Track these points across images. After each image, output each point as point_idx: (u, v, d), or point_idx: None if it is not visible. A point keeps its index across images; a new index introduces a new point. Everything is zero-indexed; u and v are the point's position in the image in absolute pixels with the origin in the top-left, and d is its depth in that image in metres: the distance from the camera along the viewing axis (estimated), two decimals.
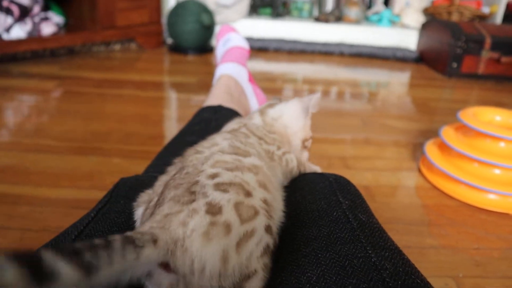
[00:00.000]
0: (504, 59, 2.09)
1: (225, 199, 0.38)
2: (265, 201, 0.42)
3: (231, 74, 1.03)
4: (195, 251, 0.35)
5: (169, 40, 2.31)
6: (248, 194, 0.41)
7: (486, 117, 1.10)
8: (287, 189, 0.54)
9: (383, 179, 1.04)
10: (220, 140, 0.51)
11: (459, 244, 0.82)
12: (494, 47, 2.10)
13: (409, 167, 1.13)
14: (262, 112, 0.64)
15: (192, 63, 2.10)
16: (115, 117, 1.34)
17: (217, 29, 2.41)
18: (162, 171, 0.63)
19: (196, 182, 0.41)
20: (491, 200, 0.97)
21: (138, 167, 1.02)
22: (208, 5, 2.26)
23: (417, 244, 0.81)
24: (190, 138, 0.75)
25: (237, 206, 0.38)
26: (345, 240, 0.42)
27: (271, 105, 0.65)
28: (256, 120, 0.63)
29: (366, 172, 1.07)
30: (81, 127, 1.25)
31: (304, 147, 0.64)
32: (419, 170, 1.12)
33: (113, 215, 0.47)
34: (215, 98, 0.94)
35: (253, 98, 1.05)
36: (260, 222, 0.39)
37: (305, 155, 0.65)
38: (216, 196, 0.38)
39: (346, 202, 0.49)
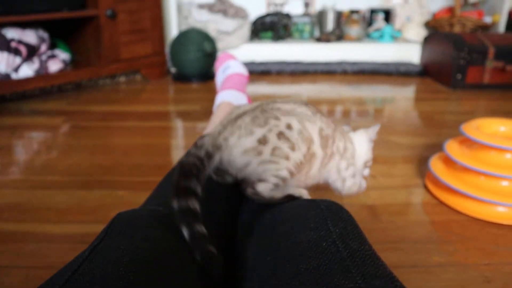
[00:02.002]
0: (509, 68, 2.08)
1: (278, 143, 0.60)
2: (299, 164, 0.63)
3: (231, 101, 1.04)
4: (232, 158, 0.60)
5: (173, 69, 2.35)
6: (293, 148, 0.61)
7: (490, 128, 1.09)
8: (279, 219, 0.54)
9: (389, 197, 1.03)
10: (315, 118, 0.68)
11: (468, 261, 0.81)
12: (498, 56, 2.09)
13: (416, 184, 1.12)
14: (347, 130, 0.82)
15: (196, 91, 2.12)
16: (120, 149, 1.36)
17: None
18: (161, 203, 0.63)
19: (276, 118, 0.63)
20: (500, 213, 0.95)
21: (143, 199, 1.01)
22: (209, 32, 2.30)
23: (424, 263, 0.80)
24: None
25: (275, 151, 0.60)
26: (335, 272, 0.41)
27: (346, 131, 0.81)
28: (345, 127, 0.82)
29: (372, 191, 1.06)
30: (87, 160, 1.27)
31: (366, 166, 0.81)
32: (425, 186, 1.10)
33: (107, 252, 0.47)
34: (215, 125, 0.95)
35: None
36: (284, 166, 0.61)
37: (366, 171, 0.81)
38: (273, 138, 0.60)
39: (337, 230, 0.48)
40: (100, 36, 2.01)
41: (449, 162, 1.08)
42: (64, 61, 2.04)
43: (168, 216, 0.56)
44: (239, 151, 0.60)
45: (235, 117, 0.64)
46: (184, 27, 2.39)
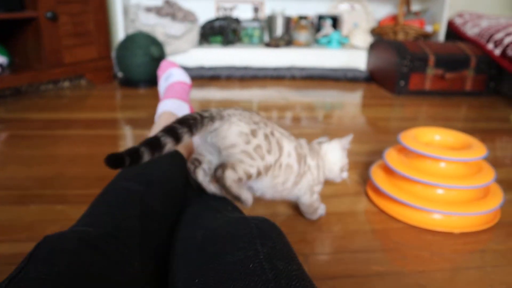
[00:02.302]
0: (448, 75, 2.18)
1: (262, 143, 0.73)
2: (268, 166, 0.75)
3: (172, 110, 1.03)
4: (228, 133, 0.70)
5: (120, 74, 2.29)
6: (269, 151, 0.74)
7: (426, 137, 1.13)
8: (210, 238, 0.54)
9: (331, 206, 1.05)
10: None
11: (405, 269, 0.83)
12: (438, 64, 2.18)
13: (357, 192, 1.14)
14: (318, 143, 0.95)
15: (144, 96, 2.08)
16: (61, 160, 1.30)
17: None
18: (94, 222, 0.61)
19: (264, 123, 0.77)
20: (436, 220, 0.99)
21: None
22: (157, 37, 2.26)
23: (362, 272, 0.81)
24: (127, 184, 0.73)
25: (257, 148, 0.72)
26: None
27: (320, 143, 0.95)
28: (315, 145, 0.94)
29: None
30: (24, 173, 1.21)
31: (342, 171, 0.94)
32: (367, 194, 1.13)
33: (26, 283, 0.45)
34: None
35: None
36: (257, 164, 0.72)
37: (344, 174, 0.95)
38: (261, 136, 0.73)
39: (265, 250, 0.48)
40: (41, 39, 1.93)
41: (388, 170, 1.11)
42: (1, 65, 1.94)
43: (99, 238, 0.54)
44: (236, 129, 0.70)
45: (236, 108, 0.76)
46: (131, 31, 2.34)
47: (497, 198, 1.03)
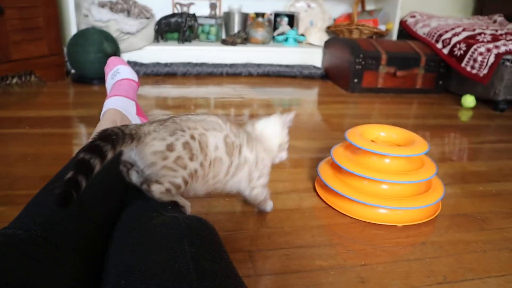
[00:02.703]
0: (399, 73, 2.24)
1: (182, 153, 0.70)
2: (193, 173, 0.73)
3: (118, 108, 1.01)
4: (144, 154, 0.69)
5: (73, 71, 2.22)
6: (191, 158, 0.72)
7: (371, 134, 1.17)
8: (142, 238, 0.53)
9: (279, 203, 1.06)
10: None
11: (347, 263, 0.85)
12: (390, 62, 2.24)
13: (306, 188, 1.16)
14: (252, 123, 0.92)
15: (97, 93, 2.03)
16: (7, 160, 1.26)
17: (123, 57, 2.37)
18: (24, 224, 0.59)
19: (182, 130, 0.72)
20: (381, 215, 1.02)
21: None
22: (111, 33, 2.22)
23: (307, 267, 0.83)
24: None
25: (178, 160, 0.70)
26: None
27: (253, 123, 0.92)
28: (249, 128, 0.91)
29: None
30: None
31: (282, 149, 0.93)
32: (315, 190, 1.15)
33: None
34: None
35: None
36: (180, 175, 0.71)
37: (283, 154, 0.94)
38: (179, 147, 0.70)
39: (192, 250, 0.49)
40: None
41: (336, 166, 1.14)
42: None
43: (27, 240, 0.52)
44: (150, 150, 0.69)
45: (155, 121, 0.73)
46: (84, 27, 2.28)
47: (438, 192, 1.07)
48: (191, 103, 1.91)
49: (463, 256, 0.92)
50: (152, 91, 2.09)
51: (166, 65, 2.38)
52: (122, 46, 2.31)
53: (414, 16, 2.73)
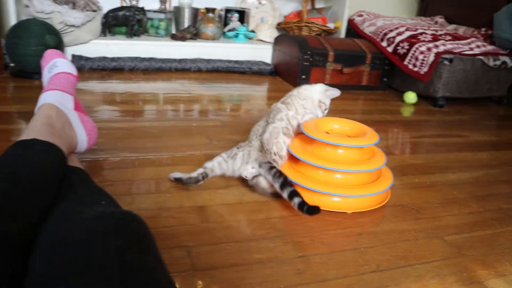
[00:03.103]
0: (346, 70, 2.30)
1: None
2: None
3: (54, 102, 0.98)
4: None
5: (12, 65, 2.12)
6: None
7: (326, 126, 1.22)
8: (67, 234, 0.52)
9: (220, 197, 1.07)
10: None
11: (285, 255, 0.87)
12: (337, 59, 2.29)
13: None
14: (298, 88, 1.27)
15: (39, 88, 1.93)
16: None
17: (68, 51, 2.29)
18: None
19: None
20: (335, 202, 1.07)
21: None
22: (54, 25, 2.13)
23: (245, 261, 0.84)
24: None
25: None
26: None
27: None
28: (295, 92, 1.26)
29: (204, 192, 1.09)
30: None
31: (321, 109, 1.25)
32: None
33: None
34: (32, 131, 0.88)
35: (80, 128, 1.01)
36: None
37: (319, 112, 1.24)
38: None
39: (118, 243, 0.48)
40: None
41: (292, 157, 1.17)
42: None
43: None
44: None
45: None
46: (24, 18, 2.18)
47: (388, 180, 1.14)
48: (139, 98, 1.87)
49: (397, 244, 0.96)
50: (99, 86, 2.03)
51: (113, 59, 2.32)
52: (66, 39, 2.23)
53: (361, 15, 2.80)
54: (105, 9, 2.50)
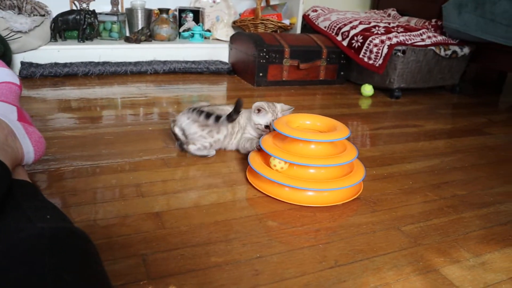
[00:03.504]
0: (302, 66, 2.31)
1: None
2: (217, 140, 1.34)
3: None
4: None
5: None
6: (218, 132, 1.32)
7: (297, 123, 1.23)
8: (3, 251, 0.50)
9: (177, 202, 1.05)
10: None
11: (242, 257, 0.86)
12: (293, 55, 2.30)
13: (206, 185, 1.15)
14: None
15: None
16: None
17: (16, 58, 2.20)
18: None
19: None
20: (310, 197, 1.09)
21: None
22: None
23: (202, 265, 0.82)
24: None
25: (210, 131, 1.31)
26: None
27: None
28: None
29: (160, 197, 1.06)
30: None
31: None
32: (216, 186, 1.15)
33: None
34: None
35: (25, 139, 0.96)
36: (208, 141, 1.31)
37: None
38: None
39: (53, 261, 0.46)
40: None
41: (266, 155, 1.18)
42: None
43: None
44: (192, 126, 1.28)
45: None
46: None
47: (360, 173, 1.16)
48: (94, 104, 1.82)
49: (354, 238, 0.97)
50: (52, 93, 1.96)
51: (65, 65, 2.24)
52: (14, 46, 2.14)
53: (316, 11, 2.82)
54: (54, 13, 2.42)
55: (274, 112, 1.33)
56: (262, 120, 1.33)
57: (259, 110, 1.33)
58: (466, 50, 2.37)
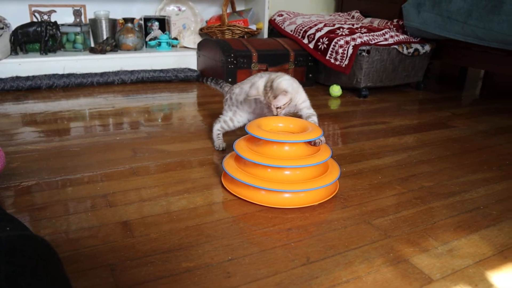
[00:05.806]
0: (270, 69, 2.32)
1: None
2: None
3: None
4: None
5: None
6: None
7: (270, 125, 1.23)
8: None
9: (146, 210, 1.03)
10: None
11: (214, 260, 0.85)
12: (261, 59, 2.31)
13: (176, 191, 1.14)
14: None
15: None
16: None
17: None
18: None
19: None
20: (286, 199, 1.08)
21: None
22: None
23: (172, 272, 0.81)
24: None
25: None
26: None
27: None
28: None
29: (129, 206, 1.04)
30: None
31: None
32: (186, 192, 1.14)
33: None
34: None
35: None
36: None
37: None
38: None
39: (9, 268, 0.44)
40: None
41: (240, 159, 1.17)
42: None
43: None
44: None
45: None
46: None
47: (335, 172, 1.17)
48: (59, 117, 1.78)
49: (326, 235, 0.97)
50: (14, 108, 1.91)
51: (28, 78, 2.19)
52: None
53: (281, 15, 2.84)
54: (13, 26, 2.36)
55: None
56: (281, 102, 1.26)
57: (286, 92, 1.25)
58: (427, 47, 2.43)
